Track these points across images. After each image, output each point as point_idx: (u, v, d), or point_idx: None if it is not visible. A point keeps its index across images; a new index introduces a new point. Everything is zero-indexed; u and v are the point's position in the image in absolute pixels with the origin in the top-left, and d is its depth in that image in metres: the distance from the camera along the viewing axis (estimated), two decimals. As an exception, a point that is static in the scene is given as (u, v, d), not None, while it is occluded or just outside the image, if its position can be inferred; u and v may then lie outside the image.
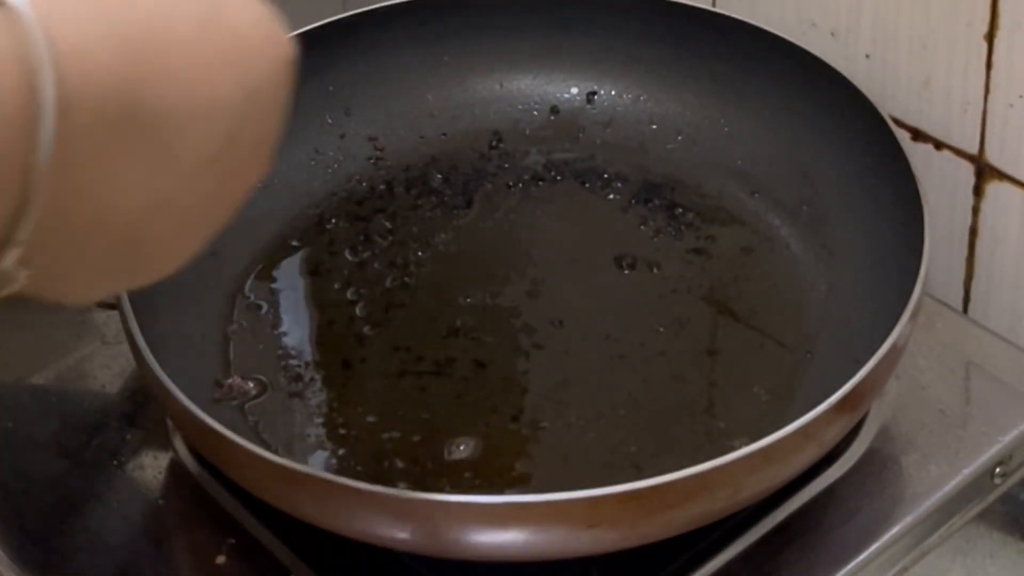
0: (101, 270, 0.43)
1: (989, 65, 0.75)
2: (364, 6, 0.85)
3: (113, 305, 0.67)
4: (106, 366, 0.76)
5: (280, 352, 0.73)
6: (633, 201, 0.82)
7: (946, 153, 0.79)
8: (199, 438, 0.64)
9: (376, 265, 0.78)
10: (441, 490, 0.65)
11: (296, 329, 0.75)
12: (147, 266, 0.45)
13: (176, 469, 0.71)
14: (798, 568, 0.65)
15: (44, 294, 0.43)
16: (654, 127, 0.85)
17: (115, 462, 0.71)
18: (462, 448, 0.68)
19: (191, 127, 0.41)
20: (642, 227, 0.80)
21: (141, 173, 0.40)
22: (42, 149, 0.37)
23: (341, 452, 0.68)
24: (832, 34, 0.82)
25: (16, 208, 0.38)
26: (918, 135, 0.80)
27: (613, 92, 0.86)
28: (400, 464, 0.67)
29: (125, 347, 0.67)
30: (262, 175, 0.45)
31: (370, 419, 0.69)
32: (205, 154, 0.42)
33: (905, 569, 0.67)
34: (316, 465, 0.67)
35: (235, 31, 0.43)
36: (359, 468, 0.67)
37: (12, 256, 0.39)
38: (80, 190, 0.39)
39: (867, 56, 0.81)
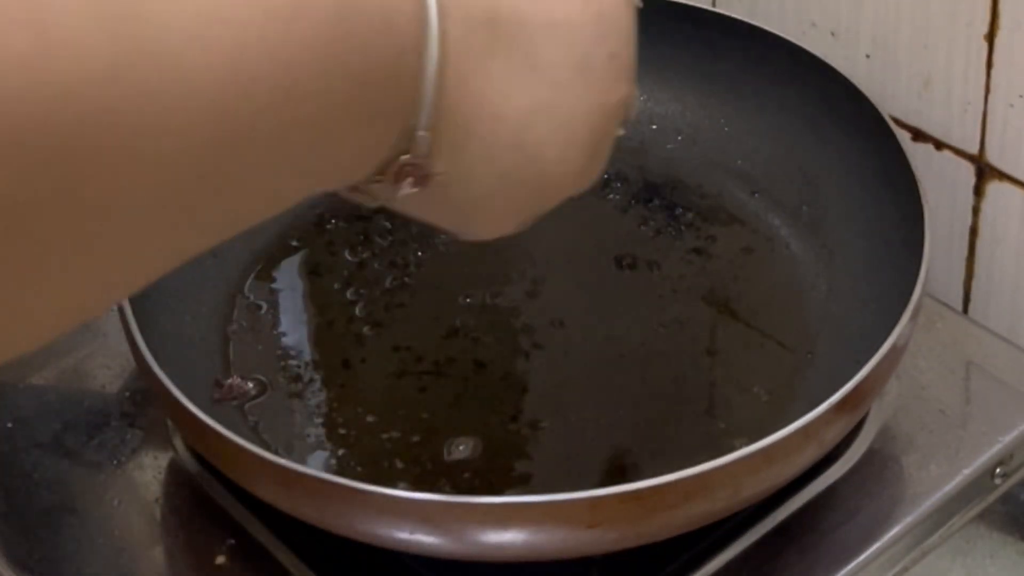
0: (508, 181, 0.47)
1: (989, 65, 0.75)
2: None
3: None
4: (106, 366, 0.76)
5: (280, 352, 0.73)
6: (633, 201, 0.82)
7: (946, 153, 0.79)
8: (199, 438, 0.64)
9: (376, 265, 0.78)
10: (441, 490, 0.65)
11: (296, 329, 0.75)
12: (544, 180, 0.48)
13: (176, 469, 0.71)
14: (798, 568, 0.65)
15: (465, 222, 0.49)
16: (654, 127, 0.85)
17: (115, 462, 0.71)
18: (462, 448, 0.68)
19: (546, 39, 0.46)
20: (642, 227, 0.80)
21: (514, 78, 0.45)
22: (430, 52, 0.42)
23: (341, 452, 0.68)
24: (832, 34, 0.82)
25: (413, 107, 0.42)
26: (918, 135, 0.80)
27: (613, 92, 0.86)
28: (400, 464, 0.67)
29: (125, 347, 0.67)
30: (627, 97, 0.49)
31: (370, 419, 0.69)
32: (566, 64, 0.46)
33: (905, 569, 0.67)
34: (316, 465, 0.67)
35: None
36: (359, 468, 0.67)
37: (434, 164, 0.44)
38: (467, 92, 0.44)
39: (867, 56, 0.81)
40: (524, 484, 0.66)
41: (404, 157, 0.43)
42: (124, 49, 0.34)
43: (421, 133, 0.43)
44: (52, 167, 0.32)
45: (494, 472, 0.67)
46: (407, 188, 0.44)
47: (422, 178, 0.44)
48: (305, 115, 0.39)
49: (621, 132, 0.52)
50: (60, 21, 0.33)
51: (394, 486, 0.63)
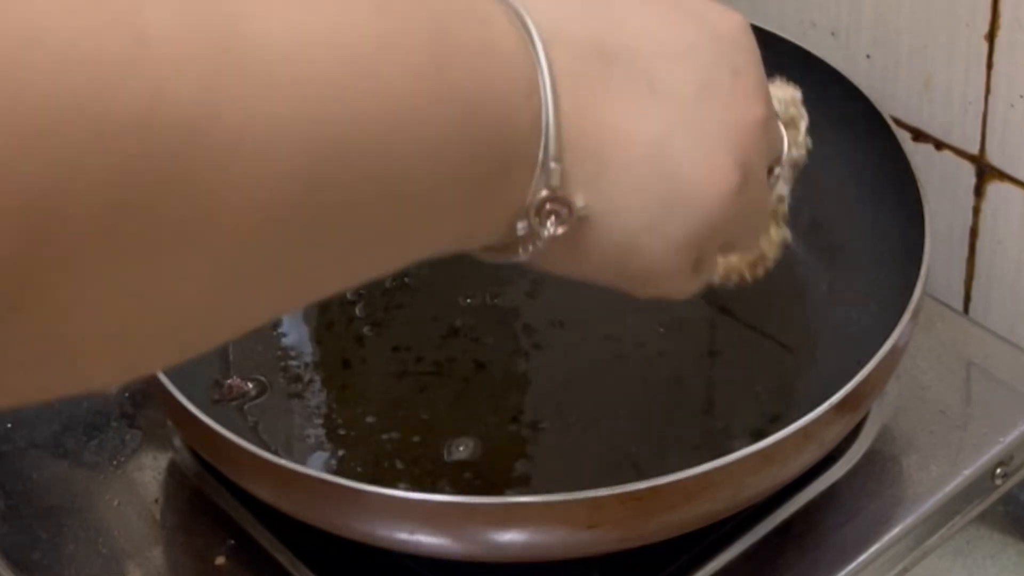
0: (657, 209, 0.45)
1: (990, 65, 0.75)
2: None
3: None
4: (106, 366, 0.76)
5: (280, 352, 0.73)
6: (633, 201, 0.82)
7: (947, 153, 0.79)
8: (199, 439, 0.64)
9: (376, 265, 0.78)
10: (441, 491, 0.65)
11: (296, 329, 0.75)
12: (694, 204, 0.46)
13: (176, 470, 0.71)
14: (799, 569, 0.65)
15: (630, 269, 0.47)
16: (654, 127, 0.85)
17: (115, 463, 0.71)
18: (461, 449, 0.68)
19: (662, 63, 0.45)
20: (642, 227, 0.80)
21: (637, 103, 0.45)
22: (543, 79, 0.42)
23: (340, 453, 0.68)
24: (833, 34, 0.82)
25: (535, 139, 0.42)
26: (919, 135, 0.80)
27: (613, 92, 0.86)
28: (400, 464, 0.67)
29: (125, 347, 0.66)
30: (763, 118, 0.48)
31: (369, 419, 0.69)
32: (688, 85, 0.46)
33: (906, 570, 0.67)
34: (316, 466, 0.67)
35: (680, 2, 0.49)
36: (359, 468, 0.67)
37: (574, 195, 0.43)
38: (590, 119, 0.43)
39: (868, 56, 0.81)
40: (524, 484, 0.66)
41: (542, 193, 0.43)
42: (221, 63, 0.33)
43: (552, 165, 0.42)
44: (141, 174, 0.32)
45: (494, 472, 0.67)
46: (552, 229, 0.43)
47: (565, 214, 0.44)
48: (416, 148, 0.38)
49: (780, 179, 0.52)
50: (158, 26, 0.32)
51: (394, 486, 0.63)
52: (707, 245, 0.47)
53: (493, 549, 0.59)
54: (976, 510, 0.70)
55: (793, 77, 0.80)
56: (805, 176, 0.79)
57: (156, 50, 0.32)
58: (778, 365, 0.71)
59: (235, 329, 0.38)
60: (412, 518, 0.58)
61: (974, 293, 0.81)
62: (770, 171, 0.51)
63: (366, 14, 0.37)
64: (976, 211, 0.79)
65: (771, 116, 0.49)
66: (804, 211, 0.78)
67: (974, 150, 0.78)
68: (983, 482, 0.69)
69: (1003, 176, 0.77)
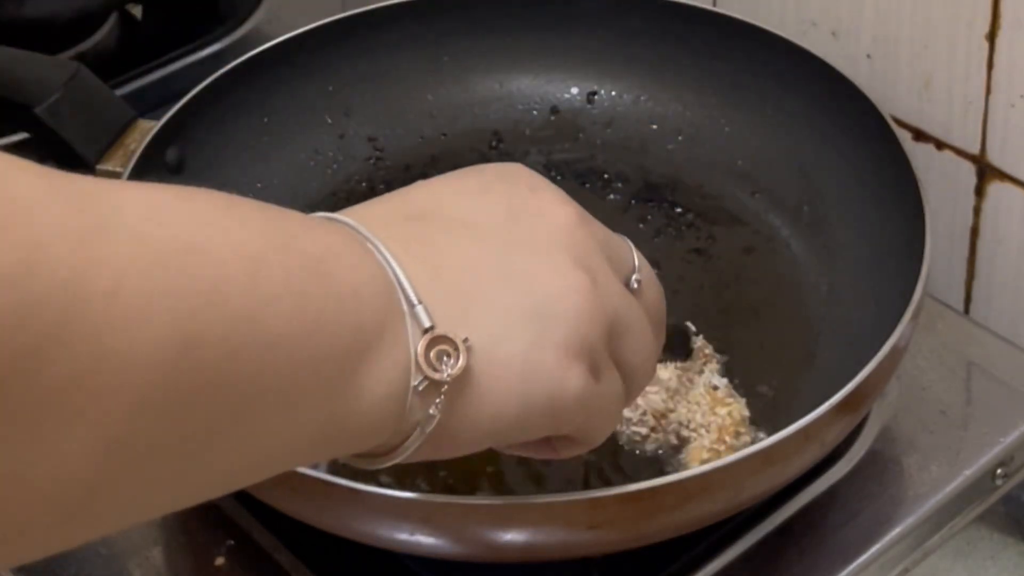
0: (526, 322, 0.47)
1: (990, 65, 0.75)
2: (364, 6, 0.85)
3: None
4: (105, 366, 0.76)
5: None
6: (633, 201, 0.82)
7: (947, 153, 0.79)
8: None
9: (376, 265, 0.78)
10: (446, 488, 0.65)
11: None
12: (549, 300, 0.47)
13: (175, 470, 0.71)
14: (799, 569, 0.65)
15: (539, 394, 0.47)
16: (654, 127, 0.85)
17: (114, 463, 0.71)
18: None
19: (466, 205, 0.49)
20: (642, 227, 0.80)
21: (466, 241, 0.47)
22: (374, 242, 0.45)
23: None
24: (833, 34, 0.82)
25: (389, 289, 0.44)
26: (919, 135, 0.80)
27: (613, 92, 0.86)
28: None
29: (124, 347, 0.66)
30: (573, 211, 0.50)
31: (370, 420, 0.69)
32: (499, 213, 0.48)
33: (906, 570, 0.67)
34: (315, 466, 0.67)
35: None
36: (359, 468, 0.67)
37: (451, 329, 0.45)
38: (428, 261, 0.46)
39: (868, 56, 0.81)
40: (525, 484, 0.66)
41: (422, 339, 0.44)
42: (88, 221, 0.35)
43: (418, 307, 0.44)
44: (20, 327, 0.32)
45: (496, 470, 0.67)
46: (449, 368, 0.44)
47: (452, 351, 0.44)
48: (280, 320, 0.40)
49: (638, 282, 0.52)
50: (26, 188, 0.34)
51: (393, 486, 0.63)
52: (593, 345, 0.48)
53: (493, 549, 0.59)
54: (976, 510, 0.70)
55: (794, 77, 0.80)
56: (805, 176, 0.80)
57: (26, 209, 0.33)
58: (778, 365, 0.71)
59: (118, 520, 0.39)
60: (412, 518, 0.58)
61: (975, 293, 0.81)
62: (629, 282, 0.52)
63: (227, 222, 0.40)
64: (977, 211, 0.79)
65: (590, 220, 0.51)
66: (804, 211, 0.79)
67: (975, 150, 0.78)
68: (983, 482, 0.69)
69: (1004, 176, 0.77)
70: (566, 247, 0.48)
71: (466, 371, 0.44)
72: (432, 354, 0.44)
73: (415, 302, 0.44)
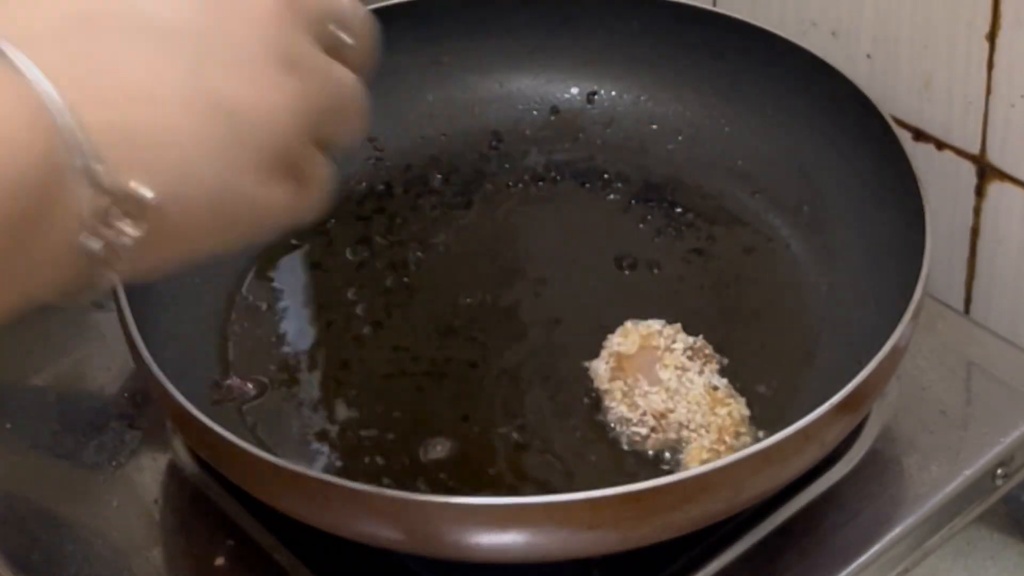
0: (222, 149, 0.42)
1: (990, 65, 0.75)
2: (363, 6, 0.85)
3: (102, 306, 0.67)
4: (105, 367, 0.76)
5: (279, 353, 0.73)
6: (633, 201, 0.82)
7: (947, 153, 0.79)
8: (198, 439, 0.64)
9: (376, 265, 0.78)
10: (446, 490, 0.65)
11: (295, 329, 0.75)
12: (248, 120, 0.43)
13: (175, 470, 0.71)
14: (799, 569, 0.65)
15: (243, 218, 0.43)
16: (654, 127, 0.85)
17: (114, 463, 0.71)
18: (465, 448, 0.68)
19: (148, 5, 0.42)
20: (642, 227, 0.80)
21: (148, 55, 0.41)
22: (40, 85, 0.38)
23: (340, 453, 0.68)
24: (833, 34, 0.82)
25: (54, 132, 0.38)
26: (919, 135, 0.80)
27: (613, 92, 0.86)
28: (402, 464, 0.67)
29: (124, 348, 0.66)
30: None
31: (369, 419, 0.69)
32: (189, 8, 0.42)
33: (906, 570, 0.67)
34: (315, 466, 0.67)
35: None
36: (359, 468, 0.67)
37: (140, 186, 0.39)
38: (107, 96, 0.40)
39: (868, 56, 0.81)
40: (525, 484, 0.66)
41: (101, 201, 0.39)
42: None
43: (96, 166, 0.38)
44: None
45: (496, 471, 0.67)
46: (128, 229, 0.39)
47: (136, 212, 0.39)
48: None
49: (347, 36, 0.47)
50: None
51: (395, 486, 0.63)
52: (292, 150, 0.44)
53: (493, 551, 0.59)
54: (977, 510, 0.70)
55: (794, 77, 0.80)
56: (805, 176, 0.80)
57: None
58: (778, 365, 0.71)
59: None
60: (412, 518, 0.58)
61: (975, 293, 0.81)
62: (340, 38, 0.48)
63: None
64: (977, 211, 0.79)
65: None
66: (805, 211, 0.79)
67: (975, 150, 0.78)
68: (984, 482, 0.69)
69: (1004, 176, 0.77)
70: (271, 47, 0.43)
71: (150, 223, 0.40)
72: (110, 213, 0.39)
73: (93, 159, 0.38)
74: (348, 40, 0.48)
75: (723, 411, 0.66)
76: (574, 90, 0.87)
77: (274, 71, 0.43)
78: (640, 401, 0.67)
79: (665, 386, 0.67)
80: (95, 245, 0.39)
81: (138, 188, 0.39)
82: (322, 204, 0.47)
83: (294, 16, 0.44)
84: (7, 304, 0.39)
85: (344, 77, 0.47)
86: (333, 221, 0.81)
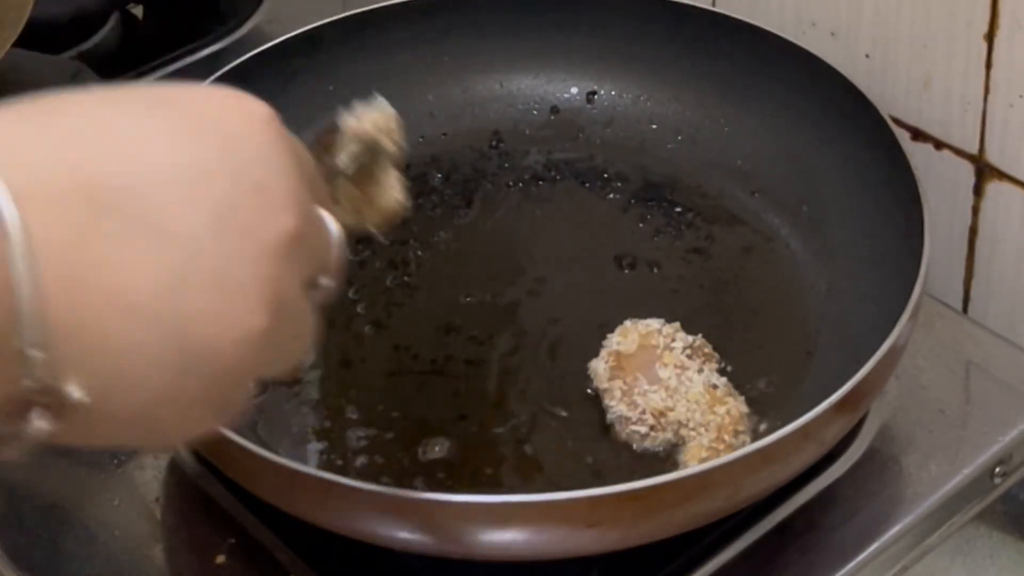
0: (175, 375, 0.40)
1: (989, 65, 0.75)
2: (364, 6, 0.85)
3: None
4: (106, 366, 0.76)
5: (280, 352, 0.73)
6: (633, 201, 0.82)
7: (946, 153, 0.79)
8: (199, 438, 0.64)
9: (376, 265, 0.78)
10: (444, 489, 0.65)
11: (296, 329, 0.75)
12: (220, 358, 0.40)
13: (176, 469, 0.71)
14: (798, 568, 0.65)
15: (148, 436, 0.42)
16: (654, 127, 0.85)
17: (115, 462, 0.71)
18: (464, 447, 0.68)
19: (165, 195, 0.40)
20: (642, 227, 0.80)
21: (138, 251, 0.39)
22: (14, 249, 0.36)
23: (341, 452, 0.68)
24: (832, 34, 0.82)
25: (12, 323, 0.36)
26: (918, 135, 0.80)
27: (613, 92, 0.86)
28: (401, 463, 0.67)
29: (125, 347, 0.66)
30: (298, 227, 0.42)
31: (369, 418, 0.69)
32: (199, 215, 0.40)
33: (905, 569, 0.67)
34: (315, 464, 0.67)
35: (190, 105, 0.42)
36: (359, 467, 0.67)
37: (66, 385, 0.38)
38: (83, 286, 0.38)
39: (867, 56, 0.81)
40: (525, 483, 0.66)
41: (23, 383, 0.37)
42: None
43: (32, 353, 0.36)
44: None
45: (495, 470, 0.67)
46: (41, 424, 0.38)
47: (57, 408, 0.38)
48: None
49: (328, 283, 0.46)
50: None
51: (396, 485, 0.63)
52: (232, 392, 0.42)
53: (493, 549, 0.59)
54: (975, 509, 0.70)
55: (793, 77, 0.80)
56: (805, 176, 0.80)
57: None
58: (778, 365, 0.71)
59: None
60: (412, 518, 0.58)
61: (973, 292, 0.81)
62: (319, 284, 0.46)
63: None
64: (975, 211, 0.79)
65: (309, 221, 0.43)
66: (804, 211, 0.79)
67: (973, 150, 0.78)
68: (982, 481, 0.69)
69: (1002, 176, 0.77)
70: (263, 278, 0.41)
71: (68, 420, 0.38)
72: (35, 405, 0.38)
73: (35, 346, 0.36)
74: (328, 284, 0.46)
75: (722, 410, 0.66)
76: (574, 90, 0.87)
77: (254, 308, 0.41)
78: (639, 400, 0.67)
79: (664, 385, 0.67)
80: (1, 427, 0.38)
81: (72, 390, 0.38)
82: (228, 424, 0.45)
83: (296, 256, 0.42)
84: None
85: (311, 323, 0.45)
86: (333, 221, 0.81)
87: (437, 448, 0.68)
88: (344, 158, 0.56)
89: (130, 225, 0.39)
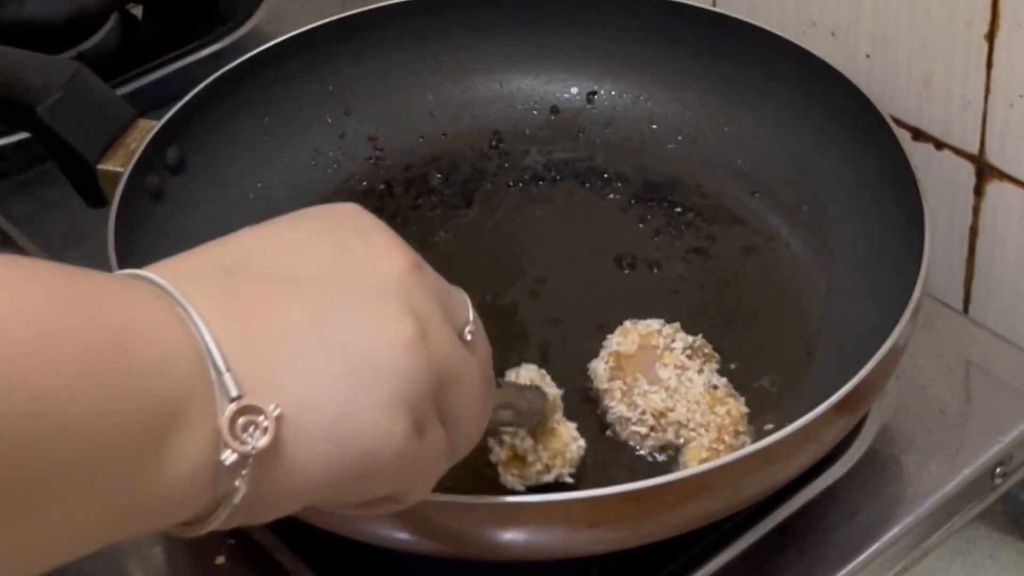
0: (340, 381, 0.44)
1: (989, 65, 0.75)
2: (364, 6, 0.85)
3: None
4: (106, 366, 0.76)
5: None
6: (633, 201, 0.82)
7: (946, 153, 0.79)
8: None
9: (376, 265, 0.78)
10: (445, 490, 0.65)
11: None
12: (368, 356, 0.45)
13: (176, 469, 0.71)
14: (798, 568, 0.65)
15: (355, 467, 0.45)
16: (654, 127, 0.85)
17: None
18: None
19: (289, 257, 0.46)
20: (642, 227, 0.80)
21: (280, 296, 0.45)
22: (182, 302, 0.43)
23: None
24: (832, 34, 0.82)
25: (198, 357, 0.42)
26: (918, 135, 0.80)
27: (613, 92, 0.86)
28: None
29: (125, 347, 0.66)
30: (407, 260, 0.48)
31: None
32: (326, 263, 0.46)
33: (906, 569, 0.67)
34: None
35: (301, 212, 0.50)
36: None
37: (265, 401, 0.43)
38: (240, 320, 0.44)
39: (867, 56, 0.81)
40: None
41: (229, 408, 0.42)
42: None
43: (225, 376, 0.42)
44: None
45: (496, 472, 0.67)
46: (255, 440, 0.42)
47: (261, 420, 0.42)
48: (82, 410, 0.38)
49: (469, 332, 0.50)
50: None
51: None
52: (416, 400, 0.46)
53: (493, 549, 0.59)
54: (976, 509, 0.70)
55: (793, 77, 0.80)
56: (805, 176, 0.80)
57: None
58: (778, 365, 0.71)
59: None
60: (412, 518, 0.58)
61: (974, 292, 0.81)
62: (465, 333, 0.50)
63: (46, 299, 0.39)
64: (976, 211, 0.79)
65: (424, 267, 0.49)
66: (804, 211, 0.79)
67: (974, 150, 0.78)
68: (983, 481, 0.69)
69: (1003, 176, 0.77)
70: (395, 297, 0.46)
71: (274, 440, 0.42)
72: (239, 424, 0.42)
73: (223, 370, 0.42)
74: (468, 332, 0.50)
75: (722, 410, 0.66)
76: (574, 90, 0.87)
77: (398, 318, 0.46)
78: (639, 400, 0.67)
79: (664, 385, 0.67)
80: (227, 455, 0.42)
81: (267, 403, 0.42)
82: (426, 492, 0.50)
83: (424, 280, 0.48)
84: (119, 530, 0.41)
85: (465, 352, 0.49)
86: (333, 221, 0.81)
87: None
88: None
89: (263, 279, 0.45)
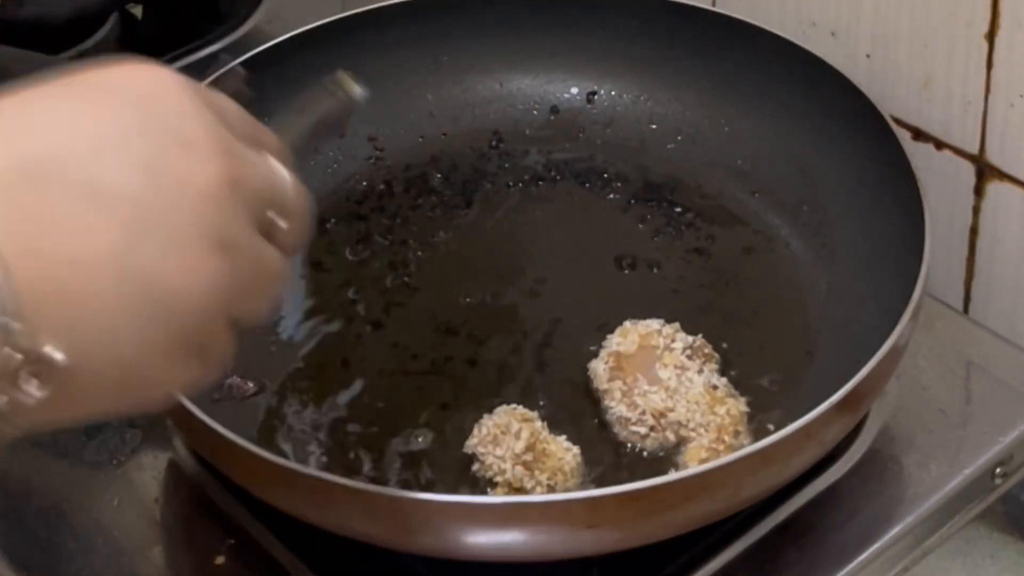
0: (147, 323, 0.42)
1: (990, 65, 0.75)
2: (364, 6, 0.85)
3: None
4: (106, 366, 0.76)
5: (279, 351, 0.73)
6: (633, 201, 0.82)
7: (947, 153, 0.79)
8: (198, 438, 0.64)
9: (376, 265, 0.78)
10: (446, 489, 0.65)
11: (296, 328, 0.75)
12: (180, 298, 0.43)
13: (175, 469, 0.71)
14: (799, 568, 0.65)
15: (136, 393, 0.44)
16: (654, 127, 0.85)
17: (114, 462, 0.71)
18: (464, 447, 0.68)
19: (92, 161, 0.42)
20: (642, 227, 0.80)
21: (86, 222, 0.42)
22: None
23: (340, 451, 0.68)
24: (832, 34, 0.82)
25: None
26: (919, 135, 0.80)
27: (613, 92, 0.86)
28: (400, 462, 0.67)
29: (125, 347, 0.66)
30: (235, 170, 0.45)
31: (369, 418, 0.69)
32: (137, 180, 0.43)
33: (906, 569, 0.67)
34: (315, 465, 0.67)
35: (103, 80, 0.45)
36: (358, 468, 0.67)
37: (54, 351, 0.40)
38: (41, 255, 0.40)
39: (867, 56, 0.81)
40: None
41: (15, 358, 0.39)
42: None
43: (15, 326, 0.39)
44: None
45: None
46: (31, 388, 0.40)
47: (44, 374, 0.40)
48: None
49: (286, 224, 0.48)
50: None
51: (397, 486, 0.63)
52: (209, 332, 0.45)
53: (493, 549, 0.59)
54: (976, 509, 0.70)
55: (793, 77, 0.80)
56: (805, 176, 0.80)
57: None
58: (778, 365, 0.71)
59: None
60: (412, 518, 0.58)
61: (974, 292, 0.81)
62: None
63: None
64: (976, 210, 0.79)
65: (244, 165, 0.46)
66: (804, 211, 0.79)
67: (974, 150, 0.78)
68: (983, 481, 0.69)
69: (1003, 175, 0.77)
70: (208, 224, 0.43)
71: (57, 384, 0.40)
72: (21, 373, 0.40)
73: (13, 318, 0.39)
74: (283, 225, 0.48)
75: (722, 410, 0.66)
76: (574, 90, 0.87)
77: (207, 252, 0.43)
78: (639, 400, 0.67)
79: (664, 385, 0.67)
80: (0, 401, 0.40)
81: (52, 351, 0.40)
82: (218, 375, 0.47)
83: (236, 197, 0.45)
84: None
85: (272, 262, 0.47)
86: (333, 221, 0.81)
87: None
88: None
89: (71, 192, 0.41)
